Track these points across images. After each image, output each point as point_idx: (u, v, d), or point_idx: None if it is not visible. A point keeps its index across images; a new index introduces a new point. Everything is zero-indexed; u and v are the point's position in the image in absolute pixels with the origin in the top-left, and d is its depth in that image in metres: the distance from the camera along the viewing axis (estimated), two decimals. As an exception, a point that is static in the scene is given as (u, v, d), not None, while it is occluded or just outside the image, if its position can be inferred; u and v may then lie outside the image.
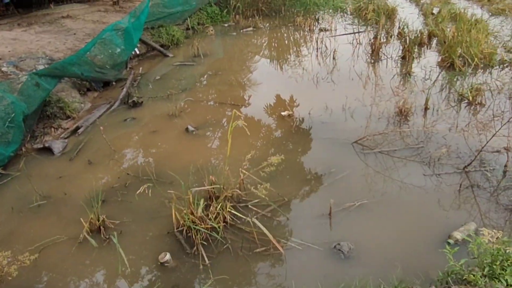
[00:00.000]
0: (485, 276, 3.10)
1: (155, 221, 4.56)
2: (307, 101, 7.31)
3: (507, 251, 3.16)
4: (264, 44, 11.77)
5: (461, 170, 5.10)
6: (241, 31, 12.55)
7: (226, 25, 13.34)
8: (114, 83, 8.65)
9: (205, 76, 9.19)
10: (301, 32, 12.26)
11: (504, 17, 12.09)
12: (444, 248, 3.44)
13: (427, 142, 5.78)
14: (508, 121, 5.21)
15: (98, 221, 4.38)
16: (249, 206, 4.60)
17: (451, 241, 3.97)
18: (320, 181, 5.16)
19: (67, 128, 6.79)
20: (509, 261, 3.13)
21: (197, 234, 4.10)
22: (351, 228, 4.31)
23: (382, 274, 3.68)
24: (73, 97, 7.49)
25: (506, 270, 3.08)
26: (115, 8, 13.23)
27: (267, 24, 13.24)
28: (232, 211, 4.37)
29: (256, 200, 4.59)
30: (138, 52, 10.21)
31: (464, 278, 3.25)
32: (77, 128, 6.74)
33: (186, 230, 4.24)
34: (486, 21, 10.76)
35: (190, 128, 6.52)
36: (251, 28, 12.69)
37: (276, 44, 11.74)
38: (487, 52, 8.44)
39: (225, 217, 4.32)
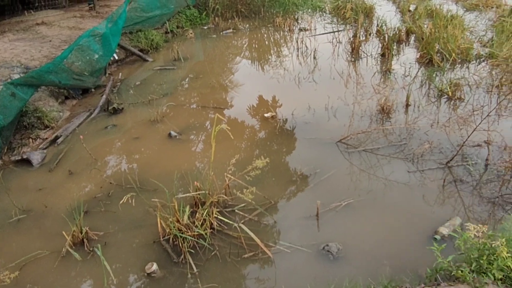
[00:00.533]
0: (472, 271, 3.12)
1: (141, 230, 4.47)
2: (289, 102, 7.30)
3: (493, 245, 3.18)
4: (245, 46, 11.74)
5: (444, 165, 5.15)
6: (221, 33, 12.49)
7: (205, 27, 13.26)
8: (93, 90, 8.49)
9: (187, 80, 9.11)
10: (281, 33, 12.26)
11: (478, 12, 12.32)
12: (431, 244, 3.47)
13: (409, 138, 5.82)
14: (487, 115, 5.28)
15: (81, 233, 4.27)
16: (236, 210, 4.55)
17: (437, 236, 4.00)
18: (306, 182, 5.14)
19: (46, 138, 6.62)
20: (495, 255, 3.15)
21: (183, 242, 4.03)
22: (339, 229, 4.31)
23: (371, 273, 3.68)
24: (51, 106, 7.32)
25: (493, 264, 3.11)
26: (92, 13, 13.01)
27: (247, 26, 13.21)
28: (219, 217, 4.32)
29: (243, 205, 4.54)
30: (117, 58, 10.06)
31: (452, 274, 3.28)
32: (56, 137, 6.59)
33: (172, 239, 4.16)
34: (462, 16, 10.94)
35: (173, 133, 6.44)
36: (230, 30, 12.64)
37: (256, 45, 11.72)
38: (463, 47, 8.58)
39: (211, 223, 4.26)
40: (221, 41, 11.86)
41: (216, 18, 13.46)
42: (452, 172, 5.07)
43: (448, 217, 4.31)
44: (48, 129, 6.88)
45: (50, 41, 9.92)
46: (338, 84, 7.92)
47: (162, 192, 4.52)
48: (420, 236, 4.13)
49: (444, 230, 4.03)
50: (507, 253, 3.12)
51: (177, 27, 12.74)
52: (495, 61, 7.96)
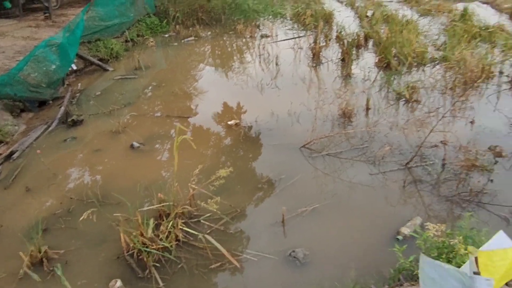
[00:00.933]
0: (433, 270, 3.21)
1: (104, 246, 4.34)
2: (253, 108, 7.33)
3: (451, 243, 3.29)
4: (207, 53, 11.71)
5: (404, 167, 5.31)
6: (182, 41, 12.40)
7: (166, 35, 13.12)
8: (50, 102, 8.20)
9: (149, 89, 8.97)
10: (243, 39, 12.31)
11: (431, 17, 12.85)
12: (395, 245, 3.55)
13: (371, 141, 5.97)
14: (442, 116, 5.49)
15: (40, 252, 4.10)
16: (202, 221, 4.51)
17: (400, 237, 4.10)
18: (272, 188, 5.16)
19: (0, 154, 6.33)
20: (453, 253, 3.26)
21: (148, 256, 3.94)
22: (305, 234, 4.34)
23: (337, 277, 3.72)
24: (5, 120, 7.01)
25: (452, 262, 3.21)
26: (47, 23, 12.60)
27: (209, 33, 13.19)
28: (184, 228, 4.26)
29: (208, 214, 4.50)
30: (75, 68, 9.77)
31: (414, 273, 3.37)
32: (12, 153, 6.30)
33: (137, 253, 4.06)
34: (416, 21, 11.39)
35: (136, 144, 6.31)
36: (192, 38, 12.57)
37: (219, 52, 11.72)
38: (419, 51, 8.92)
39: (177, 235, 4.19)
40: (183, 49, 11.78)
41: (177, 26, 13.36)
42: (412, 173, 5.23)
43: (410, 217, 4.44)
44: (2, 144, 6.58)
45: (3, 52, 9.53)
46: (300, 89, 8.03)
47: (126, 206, 4.41)
48: (384, 237, 4.23)
49: (406, 230, 4.14)
50: (464, 250, 3.24)
51: (138, 35, 12.54)
52: (448, 64, 8.30)
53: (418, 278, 3.25)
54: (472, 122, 6.28)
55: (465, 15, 11.38)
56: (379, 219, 4.51)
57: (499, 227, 4.19)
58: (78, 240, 4.45)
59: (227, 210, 4.63)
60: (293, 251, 4.01)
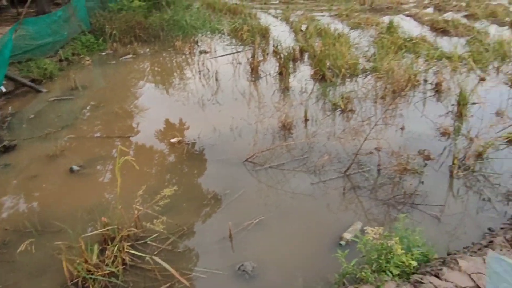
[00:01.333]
0: (374, 271, 3.41)
1: (45, 277, 4.15)
2: (195, 124, 7.35)
3: (389, 244, 3.51)
4: (147, 70, 11.57)
5: (343, 174, 5.57)
6: (121, 59, 12.16)
7: (103, 53, 12.80)
8: (-22, 128, 7.71)
9: (87, 109, 8.69)
10: (182, 56, 12.31)
11: (361, 30, 13.60)
12: (338, 251, 3.72)
13: (310, 152, 6.20)
14: (375, 125, 5.84)
15: (-27, 291, 3.85)
16: (148, 242, 4.45)
17: (342, 242, 4.30)
18: (217, 204, 5.20)
19: None
20: (391, 253, 3.49)
21: (94, 283, 3.83)
22: (252, 247, 4.42)
23: (286, 286, 3.83)
24: None
25: (390, 263, 3.43)
26: (-30, 43, 11.84)
27: (147, 50, 13.04)
28: (131, 251, 4.18)
29: (155, 235, 4.45)
30: (4, 90, 9.24)
31: (357, 276, 3.55)
32: None
33: (81, 281, 3.92)
34: (347, 34, 12.01)
35: (75, 167, 6.10)
36: (130, 56, 12.37)
37: (159, 69, 11.61)
38: (351, 62, 9.41)
39: (123, 259, 4.11)
40: (122, 67, 11.55)
41: (114, 44, 13.09)
42: (351, 180, 5.50)
43: (351, 222, 4.66)
44: None
45: None
46: (241, 104, 8.17)
47: (67, 233, 4.26)
48: (328, 243, 4.41)
49: (348, 236, 4.35)
50: (401, 249, 3.48)
51: (73, 54, 12.12)
52: (378, 74, 8.84)
53: (360, 280, 3.46)
54: (402, 129, 6.73)
55: (391, 28, 12.19)
56: (322, 226, 4.70)
57: (432, 225, 4.58)
58: (16, 273, 4.22)
59: (174, 229, 4.61)
60: (242, 265, 4.07)
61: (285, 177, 5.65)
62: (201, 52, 12.31)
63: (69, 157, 6.50)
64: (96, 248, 4.05)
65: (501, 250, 3.64)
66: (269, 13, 18.14)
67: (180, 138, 6.77)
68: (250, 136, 6.64)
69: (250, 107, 7.96)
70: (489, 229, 4.39)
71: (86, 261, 3.95)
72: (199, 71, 10.51)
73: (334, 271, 3.81)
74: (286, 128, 6.88)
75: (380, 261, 3.47)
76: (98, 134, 7.41)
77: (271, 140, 6.59)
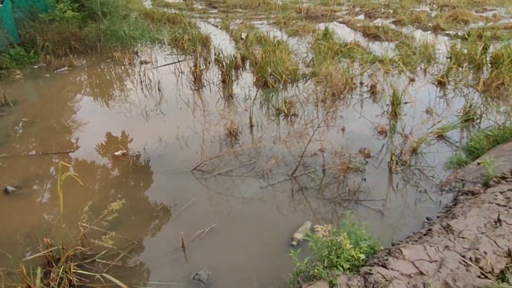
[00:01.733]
0: (326, 267, 3.53)
1: (-17, 307, 3.87)
2: (140, 136, 7.21)
3: (338, 240, 3.65)
4: (85, 83, 11.15)
5: (290, 177, 5.71)
6: (55, 71, 11.63)
7: (36, 66, 12.17)
8: None
9: (20, 126, 8.21)
10: (122, 67, 12.01)
11: (299, 37, 14.04)
12: (290, 250, 3.81)
13: (258, 157, 6.29)
14: (317, 127, 6.05)
15: None
16: (97, 260, 4.28)
17: (294, 242, 4.40)
18: (168, 214, 5.13)
19: None
20: (341, 249, 3.62)
21: (40, 309, 3.63)
22: (206, 255, 4.40)
23: (242, 291, 3.86)
24: None
25: (340, 257, 3.57)
26: None
27: (84, 62, 12.59)
28: (78, 270, 4.00)
29: (104, 252, 4.30)
30: None
31: (311, 274, 3.65)
32: None
33: (26, 307, 3.70)
34: (286, 41, 12.35)
35: (10, 188, 5.74)
36: (66, 68, 11.86)
37: (98, 81, 11.23)
38: (291, 68, 9.68)
39: (71, 280, 3.92)
40: (57, 80, 11.04)
41: (48, 56, 12.49)
42: (298, 181, 5.65)
43: (301, 222, 4.78)
44: None
45: None
46: (185, 113, 8.12)
47: (6, 258, 4.00)
48: (280, 245, 4.49)
49: (299, 235, 4.46)
50: (350, 244, 3.63)
51: (1, 68, 11.41)
52: (317, 78, 9.17)
53: (314, 277, 3.56)
54: (343, 129, 7.02)
55: (326, 34, 12.68)
56: (274, 228, 4.77)
57: (376, 219, 4.81)
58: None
59: (123, 244, 4.48)
60: (197, 274, 4.04)
61: (234, 183, 5.69)
62: (141, 63, 12.08)
63: (2, 177, 6.11)
64: (39, 271, 3.84)
65: (438, 237, 3.91)
66: (209, 22, 18.22)
67: (124, 151, 6.60)
68: (197, 145, 6.62)
69: (195, 116, 7.94)
70: (427, 218, 4.70)
71: (29, 287, 3.73)
72: (141, 82, 10.31)
73: (288, 271, 3.88)
74: (232, 134, 6.93)
75: (331, 257, 3.59)
76: (33, 152, 7.03)
77: (219, 147, 6.61)
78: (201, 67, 10.52)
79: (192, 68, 10.26)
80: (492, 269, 3.60)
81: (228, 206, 5.23)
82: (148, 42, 14.21)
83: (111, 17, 14.54)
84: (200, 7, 23.53)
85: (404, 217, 4.86)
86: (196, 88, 9.67)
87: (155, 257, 4.42)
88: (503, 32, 12.87)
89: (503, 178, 4.95)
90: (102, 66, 12.25)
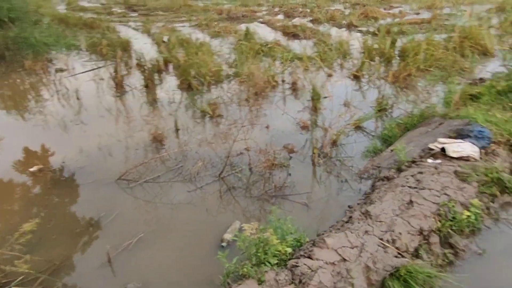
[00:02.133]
0: (254, 265, 3.60)
1: None
2: (59, 149, 6.83)
3: (265, 236, 3.74)
4: (-8, 96, 10.31)
5: (217, 178, 5.74)
6: (-43, 85, 10.62)
7: None
8: None
9: None
10: (36, 76, 11.26)
11: (221, 38, 14.11)
12: (220, 252, 3.83)
13: (185, 160, 6.24)
14: (242, 126, 6.13)
15: None
16: None
17: (224, 244, 4.44)
18: (93, 229, 4.92)
19: None
20: (268, 245, 3.71)
21: None
22: (135, 266, 4.29)
23: (173, 298, 3.82)
24: None
25: (268, 254, 3.66)
26: None
27: (-10, 73, 11.63)
28: (-7, 301, 3.73)
29: (21, 278, 4.02)
30: None
31: (240, 273, 3.70)
32: None
33: None
34: (209, 43, 12.36)
35: None
36: (-31, 81, 10.89)
37: (9, 93, 10.39)
38: (214, 70, 9.71)
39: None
40: (-41, 95, 10.10)
41: None
42: (226, 182, 5.69)
43: (230, 223, 4.83)
44: None
45: None
46: (107, 121, 7.83)
47: None
48: (211, 247, 4.50)
49: (228, 236, 4.50)
50: (276, 239, 3.74)
51: None
52: (241, 78, 9.29)
53: (243, 276, 3.62)
54: (267, 127, 7.19)
55: (248, 35, 12.87)
56: (204, 232, 4.78)
57: (302, 212, 4.99)
58: None
59: (43, 266, 4.23)
60: (125, 287, 3.94)
61: (162, 189, 5.61)
62: (57, 71, 11.42)
63: None
64: None
65: (358, 223, 4.15)
66: (129, 26, 17.69)
67: (40, 166, 6.21)
68: (121, 154, 6.42)
69: (118, 123, 7.69)
70: (349, 206, 4.96)
71: None
72: (57, 91, 9.76)
73: (219, 274, 3.90)
74: (157, 140, 6.81)
75: (259, 254, 3.67)
76: None
77: (144, 154, 6.46)
78: (123, 72, 10.20)
79: (113, 74, 9.90)
80: (407, 248, 3.91)
81: (156, 213, 5.14)
82: (63, 49, 13.44)
83: (20, 23, 13.57)
84: (119, 11, 22.76)
85: (328, 207, 5.09)
86: (118, 94, 9.35)
87: (81, 275, 4.24)
88: (408, 27, 13.93)
89: (413, 162, 5.39)
90: (12, 76, 11.38)
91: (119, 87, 9.62)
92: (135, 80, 10.13)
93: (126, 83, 9.87)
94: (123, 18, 20.27)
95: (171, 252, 4.49)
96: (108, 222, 4.98)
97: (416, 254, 3.94)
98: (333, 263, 3.54)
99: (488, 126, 5.64)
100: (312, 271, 3.43)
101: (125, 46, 13.11)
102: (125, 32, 15.82)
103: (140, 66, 10.73)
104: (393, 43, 10.62)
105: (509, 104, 6.52)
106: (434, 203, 4.33)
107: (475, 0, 19.75)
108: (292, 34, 14.36)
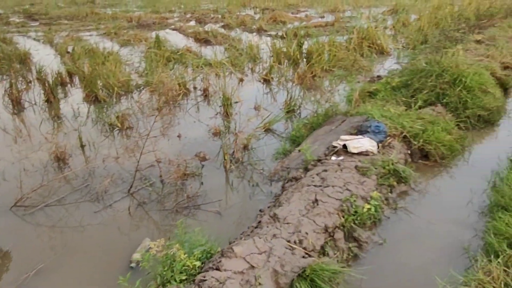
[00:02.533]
0: (159, 285, 3.46)
1: None
2: None
3: (172, 252, 3.60)
4: None
5: (127, 194, 5.50)
6: None
7: None
8: None
9: None
10: None
11: (131, 47, 13.65)
12: (127, 275, 3.61)
13: (92, 178, 5.90)
14: (147, 138, 5.87)
15: None
16: None
17: (133, 264, 4.19)
18: (-15, 265, 4.45)
19: None
20: (175, 261, 3.58)
21: None
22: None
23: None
24: None
25: (174, 270, 3.53)
26: None
27: None
28: None
29: None
30: None
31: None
32: None
33: None
34: (117, 52, 11.89)
35: None
36: None
37: None
38: (123, 80, 9.34)
39: None
40: None
41: None
42: (136, 197, 5.46)
43: (141, 240, 4.63)
44: None
45: None
46: (1, 142, 7.16)
47: None
48: (122, 269, 4.23)
49: (137, 255, 4.27)
50: (184, 254, 3.62)
51: None
52: (151, 87, 9.04)
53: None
54: (179, 136, 7.06)
55: (158, 42, 12.58)
56: (115, 252, 4.51)
57: (215, 221, 4.94)
58: None
59: None
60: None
61: (68, 212, 5.23)
62: None
63: None
64: None
65: (267, 227, 4.19)
66: (29, 37, 16.49)
67: None
68: (16, 177, 5.89)
69: (15, 144, 7.06)
70: (260, 210, 4.99)
71: None
72: None
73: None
74: (60, 159, 6.36)
75: (165, 272, 3.53)
76: None
77: (44, 175, 5.99)
78: (20, 87, 9.42)
79: (8, 90, 9.10)
80: (314, 246, 4.01)
81: (63, 238, 4.77)
82: None
83: None
84: (17, 20, 21.14)
85: (242, 213, 5.08)
86: (15, 111, 8.62)
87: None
88: (314, 30, 14.57)
89: (319, 160, 5.58)
90: None
91: (16, 104, 8.88)
92: (36, 95, 9.42)
93: (25, 98, 9.14)
94: (22, 28, 18.87)
95: (77, 279, 4.18)
96: (1, 256, 4.51)
97: (323, 252, 4.06)
98: (241, 272, 3.50)
99: (383, 120, 6.04)
100: (220, 283, 3.36)
101: (24, 59, 12.18)
102: (24, 43, 14.70)
103: (40, 79, 10.01)
104: (299, 45, 11.01)
105: (402, 99, 7.05)
106: (337, 199, 4.50)
107: (372, 3, 21.22)
108: (204, 40, 14.33)
